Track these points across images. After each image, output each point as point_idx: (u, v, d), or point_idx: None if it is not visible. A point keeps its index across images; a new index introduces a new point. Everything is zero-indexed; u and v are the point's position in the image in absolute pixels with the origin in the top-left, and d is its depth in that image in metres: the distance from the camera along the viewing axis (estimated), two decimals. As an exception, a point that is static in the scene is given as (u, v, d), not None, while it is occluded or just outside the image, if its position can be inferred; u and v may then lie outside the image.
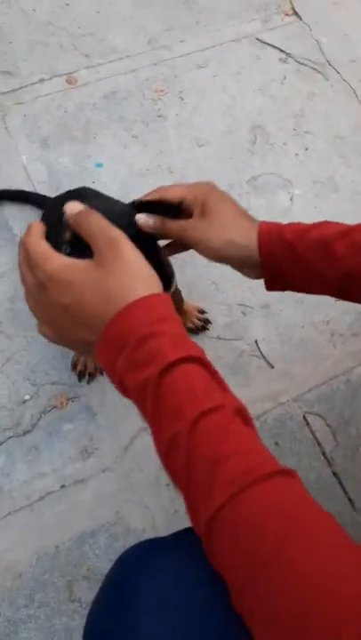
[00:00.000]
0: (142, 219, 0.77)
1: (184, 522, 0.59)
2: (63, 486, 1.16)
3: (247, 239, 0.77)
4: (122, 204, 0.84)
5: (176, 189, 0.81)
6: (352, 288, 0.78)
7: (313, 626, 0.46)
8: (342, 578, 0.48)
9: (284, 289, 0.84)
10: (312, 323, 1.36)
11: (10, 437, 1.19)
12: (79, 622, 1.06)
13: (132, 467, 1.17)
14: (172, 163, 1.50)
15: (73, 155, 1.48)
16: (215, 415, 0.55)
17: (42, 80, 1.58)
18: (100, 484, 1.16)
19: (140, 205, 0.78)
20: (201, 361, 0.59)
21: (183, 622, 0.56)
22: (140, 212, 0.77)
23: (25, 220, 1.36)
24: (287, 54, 1.71)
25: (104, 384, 1.24)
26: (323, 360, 1.33)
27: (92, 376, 1.23)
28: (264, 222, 0.80)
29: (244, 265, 0.81)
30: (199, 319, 1.31)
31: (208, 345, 1.31)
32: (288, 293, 1.36)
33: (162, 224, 0.78)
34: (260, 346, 1.33)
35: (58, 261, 0.61)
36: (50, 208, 1.24)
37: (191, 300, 1.33)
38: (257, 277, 0.83)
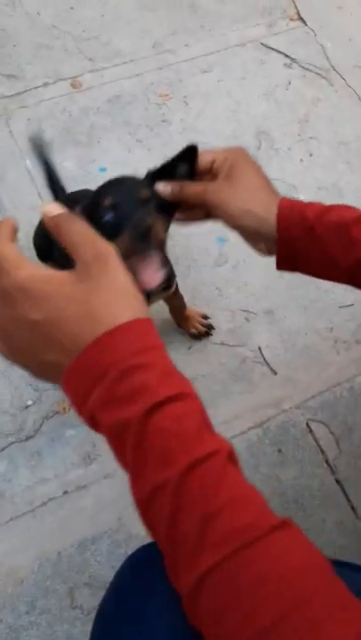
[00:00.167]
0: (161, 187, 0.76)
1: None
2: (66, 492, 1.15)
3: (267, 211, 0.75)
4: (137, 180, 0.86)
5: (207, 153, 0.79)
6: None
7: None
8: None
9: (293, 270, 0.81)
10: (316, 329, 1.36)
11: (12, 443, 1.18)
12: (81, 629, 1.05)
13: (134, 473, 1.17)
14: (177, 167, 1.50)
15: (77, 159, 1.47)
16: (209, 463, 0.50)
17: (46, 84, 1.58)
18: (103, 490, 1.16)
19: (156, 174, 0.79)
20: (190, 397, 0.53)
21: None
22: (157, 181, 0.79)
23: (30, 224, 1.36)
24: (292, 59, 1.71)
25: (107, 390, 1.24)
26: (326, 367, 1.33)
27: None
28: (286, 198, 0.78)
29: (259, 237, 0.78)
30: (203, 325, 1.31)
31: (211, 351, 1.31)
32: (292, 299, 1.38)
33: (180, 188, 0.77)
34: (263, 352, 1.32)
35: (31, 270, 0.52)
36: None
37: (194, 305, 1.32)
38: (268, 253, 0.80)
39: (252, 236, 0.79)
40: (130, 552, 1.09)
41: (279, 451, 1.23)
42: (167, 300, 1.22)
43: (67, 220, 0.54)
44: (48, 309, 0.50)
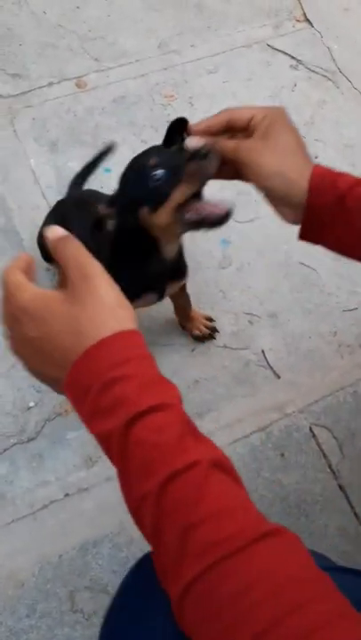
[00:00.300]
0: (193, 141, 0.75)
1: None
2: (67, 495, 1.15)
3: (299, 175, 0.73)
4: (156, 146, 0.87)
5: (246, 109, 0.77)
6: None
7: None
8: None
9: (317, 241, 0.78)
10: (319, 333, 1.35)
11: (14, 444, 1.18)
12: (81, 633, 1.05)
13: (136, 476, 1.16)
14: (181, 169, 1.49)
15: (82, 159, 1.46)
16: (188, 474, 0.50)
17: (51, 83, 1.57)
18: (104, 493, 1.15)
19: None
20: (172, 408, 0.54)
21: None
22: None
23: (34, 224, 1.35)
24: (298, 61, 1.70)
25: (109, 392, 1.23)
26: (330, 371, 1.32)
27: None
28: (320, 165, 0.75)
29: (285, 202, 0.75)
30: (207, 327, 1.30)
31: (214, 354, 1.31)
32: (296, 303, 1.37)
33: (213, 142, 0.76)
34: (266, 355, 1.32)
35: (32, 292, 0.57)
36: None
37: (198, 307, 1.32)
38: (292, 220, 0.77)
39: (279, 199, 0.76)
40: (131, 556, 1.10)
41: (282, 455, 1.22)
42: (173, 298, 1.22)
43: (61, 243, 0.58)
44: (42, 326, 0.55)
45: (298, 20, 1.78)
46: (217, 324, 1.32)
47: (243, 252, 1.42)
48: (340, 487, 1.21)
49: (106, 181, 1.45)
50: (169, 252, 0.98)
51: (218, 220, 0.83)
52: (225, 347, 1.32)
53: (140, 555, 1.11)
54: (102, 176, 1.47)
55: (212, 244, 1.41)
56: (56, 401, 1.22)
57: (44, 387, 1.21)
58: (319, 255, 1.40)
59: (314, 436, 1.25)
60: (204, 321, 1.31)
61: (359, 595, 0.49)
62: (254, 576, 0.46)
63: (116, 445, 0.51)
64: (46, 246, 1.35)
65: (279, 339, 1.34)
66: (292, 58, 1.71)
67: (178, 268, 1.07)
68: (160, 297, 1.09)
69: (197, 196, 0.84)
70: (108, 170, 1.48)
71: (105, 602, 1.07)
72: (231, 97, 1.62)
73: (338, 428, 1.26)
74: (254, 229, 1.42)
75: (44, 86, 1.57)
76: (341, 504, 1.19)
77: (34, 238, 1.29)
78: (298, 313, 1.37)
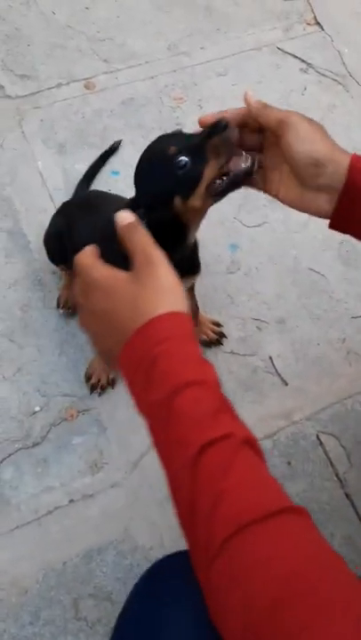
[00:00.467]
0: (207, 118, 0.79)
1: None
2: (71, 501, 1.14)
3: (332, 153, 0.73)
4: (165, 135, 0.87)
5: (277, 112, 0.77)
6: None
7: None
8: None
9: (346, 231, 0.77)
10: (328, 340, 1.34)
11: (19, 449, 1.17)
12: (84, 641, 1.04)
13: (141, 483, 1.16)
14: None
15: (90, 161, 1.45)
16: (223, 443, 0.54)
17: (59, 84, 1.56)
18: (109, 500, 1.14)
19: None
20: (209, 384, 0.59)
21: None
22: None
23: (42, 226, 1.34)
24: (308, 64, 1.69)
25: (115, 398, 1.22)
26: (338, 378, 1.31)
27: (103, 389, 1.21)
28: (356, 154, 0.75)
29: (317, 181, 0.74)
30: (214, 332, 1.29)
31: (221, 359, 1.29)
32: (304, 309, 1.36)
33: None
34: (274, 362, 1.30)
35: (102, 270, 0.65)
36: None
37: (205, 312, 1.30)
38: (316, 208, 0.76)
39: (313, 176, 0.74)
40: (135, 563, 1.09)
41: (289, 463, 1.21)
42: None
43: (129, 231, 0.65)
44: (108, 300, 0.62)
45: (308, 24, 1.77)
46: (224, 330, 1.31)
47: (251, 257, 1.40)
48: (347, 496, 1.19)
49: (113, 184, 1.44)
50: (192, 237, 0.96)
51: (246, 171, 0.79)
52: (232, 352, 1.31)
53: (144, 562, 1.11)
54: (109, 179, 1.46)
55: (221, 248, 1.40)
56: (62, 405, 1.21)
57: (49, 391, 1.21)
58: (328, 261, 1.39)
59: (321, 444, 1.23)
60: (212, 326, 1.30)
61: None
62: (284, 546, 0.49)
63: (158, 417, 0.56)
64: (53, 249, 1.34)
65: (287, 345, 1.33)
66: (303, 61, 1.70)
67: (192, 262, 1.05)
68: None
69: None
70: (115, 173, 1.47)
71: (109, 610, 1.06)
72: (241, 100, 1.60)
73: (345, 436, 1.24)
74: (263, 234, 1.41)
75: (53, 87, 1.56)
76: (348, 513, 1.18)
77: (41, 239, 1.28)
78: (306, 319, 1.36)
